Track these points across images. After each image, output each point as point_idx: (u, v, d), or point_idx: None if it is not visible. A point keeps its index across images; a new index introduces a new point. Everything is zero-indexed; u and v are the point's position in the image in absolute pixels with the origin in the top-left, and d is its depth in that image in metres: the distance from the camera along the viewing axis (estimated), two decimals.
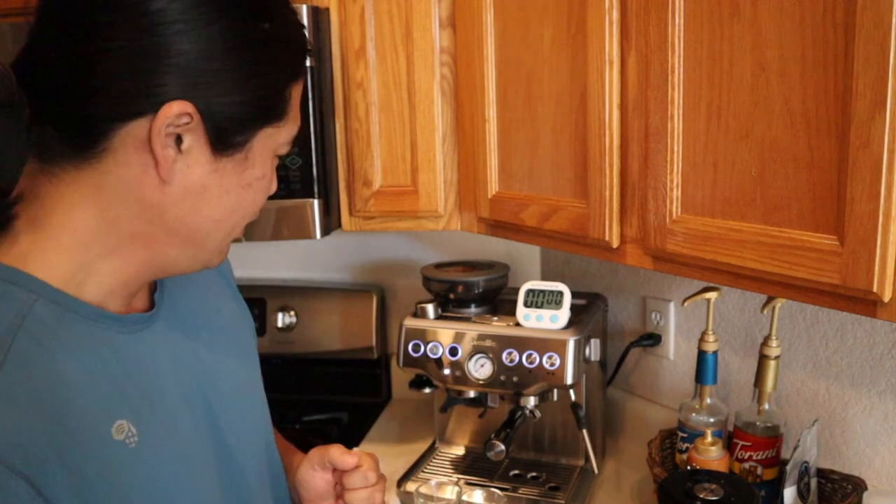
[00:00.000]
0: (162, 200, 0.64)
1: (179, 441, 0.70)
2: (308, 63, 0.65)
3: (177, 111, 0.60)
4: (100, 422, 0.62)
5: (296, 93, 0.69)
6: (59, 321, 0.62)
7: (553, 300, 1.19)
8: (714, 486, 0.97)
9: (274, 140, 0.68)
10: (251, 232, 1.27)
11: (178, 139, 0.62)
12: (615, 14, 0.95)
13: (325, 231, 1.30)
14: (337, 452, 0.87)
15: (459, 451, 1.42)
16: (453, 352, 1.21)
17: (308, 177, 1.25)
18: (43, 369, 0.59)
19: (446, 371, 1.22)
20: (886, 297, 0.68)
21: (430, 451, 1.42)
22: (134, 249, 0.66)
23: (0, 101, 0.58)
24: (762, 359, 1.12)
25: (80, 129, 0.61)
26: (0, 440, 0.55)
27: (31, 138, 0.62)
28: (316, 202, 1.28)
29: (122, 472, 0.62)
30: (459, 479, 1.30)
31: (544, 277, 1.70)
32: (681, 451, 1.21)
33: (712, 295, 1.16)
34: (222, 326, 0.83)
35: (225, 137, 0.63)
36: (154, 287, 0.76)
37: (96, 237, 0.64)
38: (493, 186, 1.21)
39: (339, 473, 0.89)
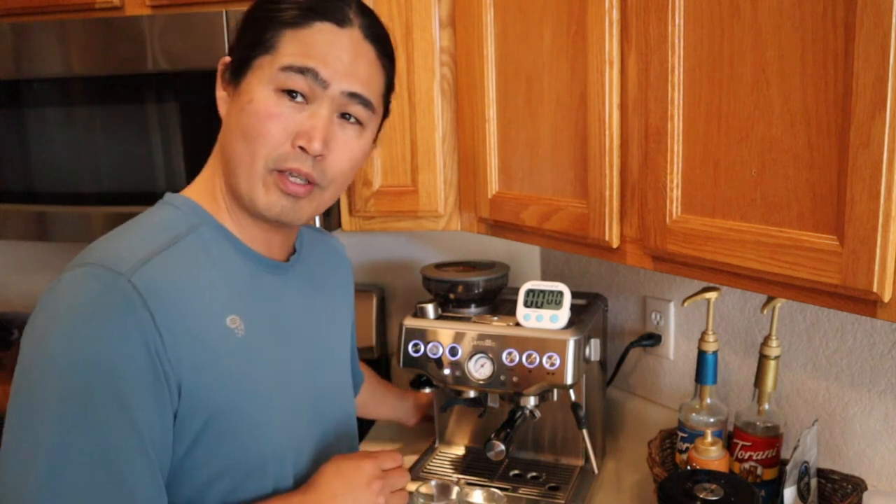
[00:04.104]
0: (220, 133, 0.87)
1: (281, 357, 0.89)
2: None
3: (221, 63, 0.87)
4: (220, 307, 0.82)
5: (293, 36, 0.82)
6: (216, 242, 0.85)
7: (553, 300, 1.19)
8: (714, 486, 0.97)
9: (267, 70, 0.81)
10: None
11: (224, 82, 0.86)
12: (615, 14, 0.95)
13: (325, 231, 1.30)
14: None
15: (459, 451, 1.42)
16: (453, 352, 1.21)
17: None
18: (196, 257, 0.82)
19: (446, 371, 1.22)
20: (886, 297, 0.68)
21: (430, 451, 1.42)
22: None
23: None
24: (762, 359, 1.12)
25: None
26: (143, 281, 0.74)
27: None
28: None
29: (225, 349, 0.81)
30: (459, 479, 1.30)
31: (544, 277, 1.70)
32: (681, 451, 1.21)
33: (712, 295, 1.16)
34: (332, 303, 1.06)
35: (234, 73, 0.84)
36: (293, 251, 0.98)
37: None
38: (493, 186, 1.21)
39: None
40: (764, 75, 0.76)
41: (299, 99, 0.81)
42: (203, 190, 0.88)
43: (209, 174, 0.89)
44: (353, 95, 0.83)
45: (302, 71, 0.80)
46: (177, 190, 0.90)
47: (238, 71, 0.83)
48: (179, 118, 1.33)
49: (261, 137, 0.80)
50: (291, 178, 0.82)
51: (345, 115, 0.85)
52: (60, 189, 1.42)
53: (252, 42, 0.83)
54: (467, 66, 1.23)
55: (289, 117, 0.81)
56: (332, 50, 0.81)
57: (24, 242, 1.96)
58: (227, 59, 0.86)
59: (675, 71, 0.86)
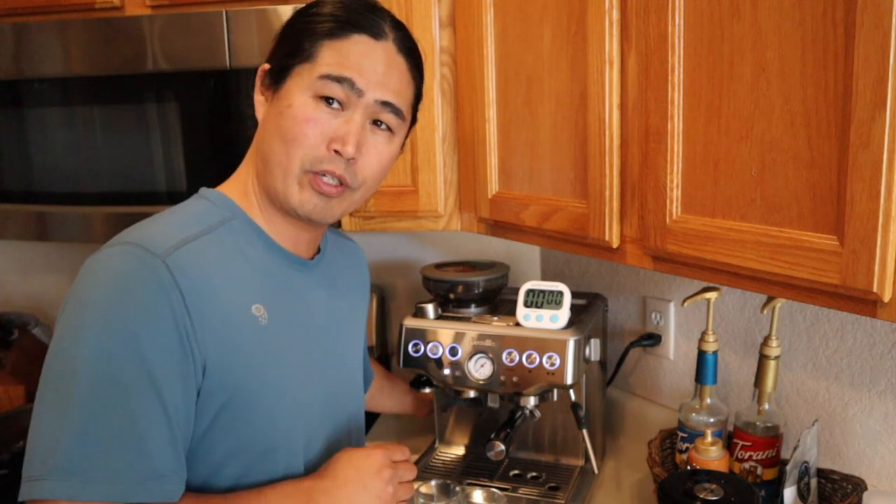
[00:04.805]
0: (257, 135, 0.92)
1: (300, 349, 0.93)
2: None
3: (261, 70, 0.92)
4: (246, 295, 0.86)
5: (331, 46, 0.87)
6: (246, 236, 0.90)
7: (553, 300, 1.19)
8: (714, 486, 0.97)
9: (306, 78, 0.86)
10: None
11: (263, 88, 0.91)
12: (615, 14, 0.95)
13: None
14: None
15: (459, 451, 1.42)
16: (453, 352, 1.21)
17: None
18: (226, 247, 0.86)
19: (446, 371, 1.22)
20: (886, 297, 0.68)
21: (430, 451, 1.42)
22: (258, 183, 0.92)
23: None
24: (762, 359, 1.12)
25: None
26: (176, 263, 0.78)
27: None
28: None
29: (248, 335, 0.85)
30: (459, 479, 1.30)
31: (544, 277, 1.70)
32: (681, 451, 1.21)
33: (712, 295, 1.16)
34: (351, 303, 1.10)
35: (274, 79, 0.89)
36: (318, 251, 1.02)
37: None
38: (493, 186, 1.21)
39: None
40: (764, 75, 0.76)
41: (335, 105, 0.86)
42: (237, 187, 0.93)
43: (244, 172, 0.94)
44: (386, 104, 0.89)
45: (339, 80, 0.85)
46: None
47: (278, 77, 0.88)
48: (179, 118, 1.33)
49: (298, 140, 0.85)
50: (324, 179, 0.87)
51: (377, 122, 0.90)
52: (60, 189, 1.42)
53: (292, 51, 0.88)
54: (467, 66, 1.23)
55: (325, 122, 0.86)
56: (368, 61, 0.87)
57: (24, 242, 1.96)
58: (267, 65, 0.91)
59: (675, 71, 0.86)
